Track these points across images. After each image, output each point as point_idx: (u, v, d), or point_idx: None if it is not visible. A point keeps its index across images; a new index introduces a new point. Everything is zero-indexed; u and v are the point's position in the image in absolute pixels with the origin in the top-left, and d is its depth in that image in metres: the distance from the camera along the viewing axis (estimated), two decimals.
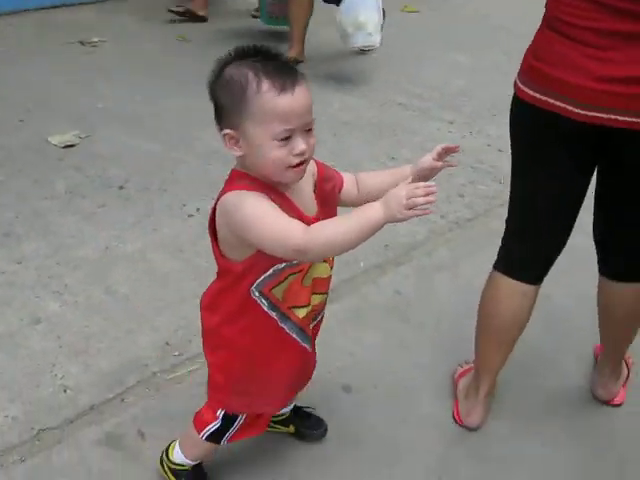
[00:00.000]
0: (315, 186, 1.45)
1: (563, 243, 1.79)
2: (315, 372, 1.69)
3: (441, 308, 2.44)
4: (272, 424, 1.84)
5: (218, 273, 1.47)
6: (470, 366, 2.04)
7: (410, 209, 1.19)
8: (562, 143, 1.61)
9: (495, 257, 1.86)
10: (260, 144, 1.28)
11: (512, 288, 1.80)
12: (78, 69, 4.34)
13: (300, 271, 1.41)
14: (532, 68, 1.59)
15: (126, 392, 2.01)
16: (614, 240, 1.81)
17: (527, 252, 1.79)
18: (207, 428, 1.59)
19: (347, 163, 3.03)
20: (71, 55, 4.55)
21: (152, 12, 5.36)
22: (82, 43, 4.72)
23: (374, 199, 1.26)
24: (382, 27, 4.27)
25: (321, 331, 1.64)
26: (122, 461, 1.80)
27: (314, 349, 1.62)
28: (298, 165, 1.30)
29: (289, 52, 4.37)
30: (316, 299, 1.49)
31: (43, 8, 5.25)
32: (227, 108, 1.30)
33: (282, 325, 1.46)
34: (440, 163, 1.47)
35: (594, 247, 1.86)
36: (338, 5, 4.27)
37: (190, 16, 5.24)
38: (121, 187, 3.06)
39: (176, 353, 2.15)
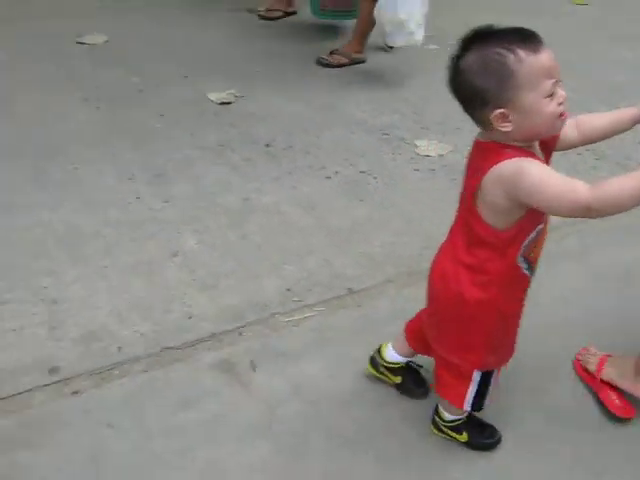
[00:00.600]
0: None
1: None
2: None
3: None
4: (383, 370, 1.89)
5: (473, 243, 1.46)
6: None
7: None
8: None
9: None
10: (537, 107, 1.31)
11: None
12: (250, 36, 4.56)
13: (546, 222, 1.46)
14: None
15: (245, 327, 2.13)
16: None
17: None
18: (467, 398, 1.63)
19: None
20: (239, 22, 4.79)
21: None
22: (249, 11, 4.95)
23: (596, 140, 1.39)
24: (426, 17, 3.73)
25: None
26: (231, 386, 1.92)
27: None
28: (563, 112, 1.35)
29: (345, 48, 4.09)
30: None
31: None
32: (492, 90, 1.32)
33: (526, 272, 1.49)
34: None
35: None
36: None
37: None
38: (267, 145, 3.20)
39: (296, 299, 2.24)
